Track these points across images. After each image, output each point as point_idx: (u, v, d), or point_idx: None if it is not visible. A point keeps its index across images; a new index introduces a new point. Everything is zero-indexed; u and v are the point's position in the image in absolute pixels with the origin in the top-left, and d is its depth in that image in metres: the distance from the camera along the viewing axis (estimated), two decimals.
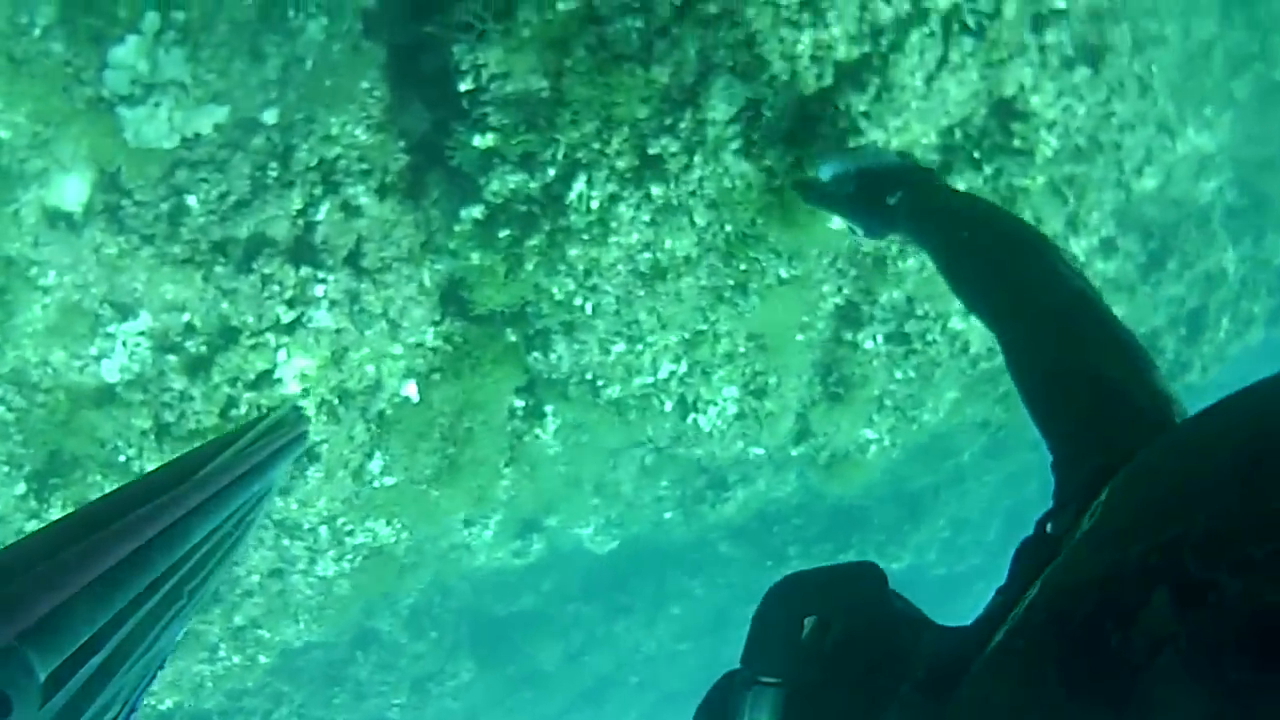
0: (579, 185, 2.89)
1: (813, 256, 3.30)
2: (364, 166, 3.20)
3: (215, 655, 4.60)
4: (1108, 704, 0.83)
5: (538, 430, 4.01)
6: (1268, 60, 4.75)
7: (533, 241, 3.04)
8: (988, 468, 6.61)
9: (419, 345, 3.53)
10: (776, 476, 5.33)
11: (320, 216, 3.15)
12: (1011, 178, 3.21)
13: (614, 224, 2.97)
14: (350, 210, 3.17)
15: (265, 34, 2.81)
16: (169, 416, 3.33)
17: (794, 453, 4.38)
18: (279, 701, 5.58)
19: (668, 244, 3.04)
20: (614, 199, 2.94)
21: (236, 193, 3.15)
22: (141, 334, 3.27)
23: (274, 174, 3.13)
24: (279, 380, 3.33)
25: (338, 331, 3.24)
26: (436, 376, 3.66)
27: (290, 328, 3.21)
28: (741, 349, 3.62)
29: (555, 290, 3.13)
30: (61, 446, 3.37)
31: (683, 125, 2.81)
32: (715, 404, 3.73)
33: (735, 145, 2.85)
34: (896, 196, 2.36)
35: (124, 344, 3.26)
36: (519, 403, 3.95)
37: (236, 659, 4.66)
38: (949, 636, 1.27)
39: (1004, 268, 1.73)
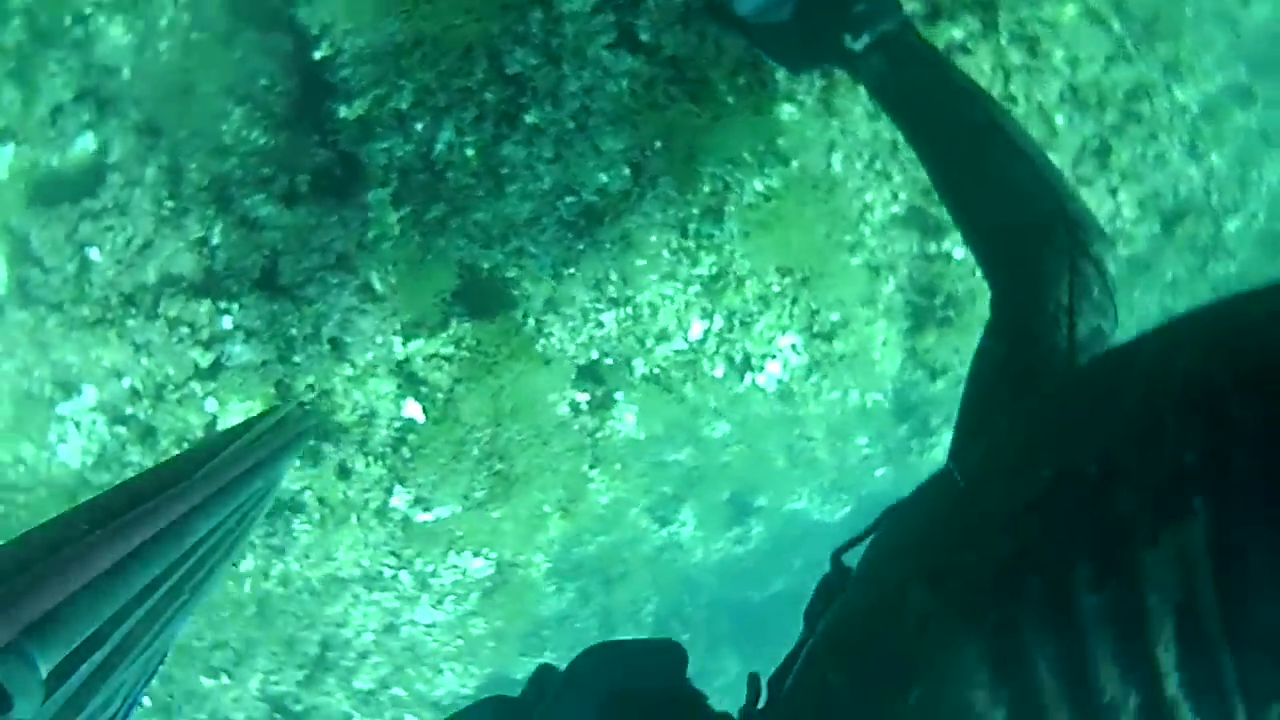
0: (446, 134, 2.35)
1: (791, 153, 2.56)
2: (265, 172, 2.78)
3: None
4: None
5: (612, 423, 3.37)
6: None
7: (433, 214, 2.53)
8: None
9: (400, 359, 3.05)
10: None
11: (216, 239, 2.76)
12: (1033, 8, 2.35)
13: (506, 170, 2.40)
14: (251, 224, 2.76)
15: (44, 51, 2.46)
16: None
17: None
18: None
19: (585, 181, 2.43)
20: (497, 139, 2.37)
21: (141, 234, 2.83)
22: (92, 410, 3.01)
23: (170, 204, 2.79)
24: None
25: (263, 364, 2.83)
26: (449, 387, 3.14)
27: (212, 371, 2.84)
28: (775, 287, 2.89)
29: (483, 264, 2.60)
30: None
31: (535, 30, 2.21)
32: (773, 356, 3.00)
33: (606, 38, 2.21)
34: (862, 42, 1.83)
35: (77, 425, 3.02)
36: (581, 395, 3.32)
37: None
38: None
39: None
